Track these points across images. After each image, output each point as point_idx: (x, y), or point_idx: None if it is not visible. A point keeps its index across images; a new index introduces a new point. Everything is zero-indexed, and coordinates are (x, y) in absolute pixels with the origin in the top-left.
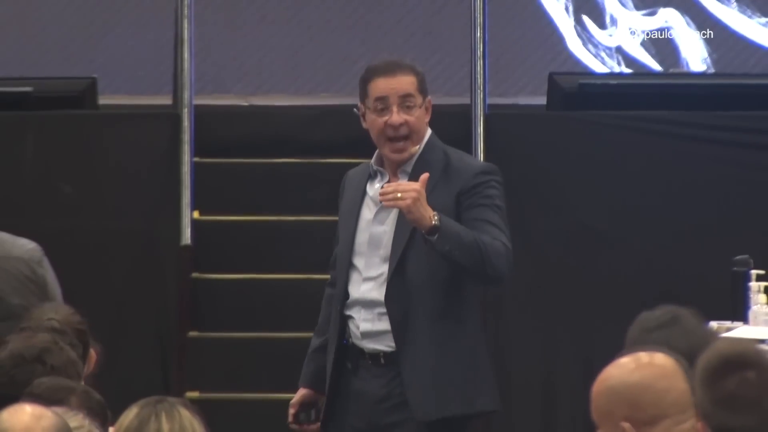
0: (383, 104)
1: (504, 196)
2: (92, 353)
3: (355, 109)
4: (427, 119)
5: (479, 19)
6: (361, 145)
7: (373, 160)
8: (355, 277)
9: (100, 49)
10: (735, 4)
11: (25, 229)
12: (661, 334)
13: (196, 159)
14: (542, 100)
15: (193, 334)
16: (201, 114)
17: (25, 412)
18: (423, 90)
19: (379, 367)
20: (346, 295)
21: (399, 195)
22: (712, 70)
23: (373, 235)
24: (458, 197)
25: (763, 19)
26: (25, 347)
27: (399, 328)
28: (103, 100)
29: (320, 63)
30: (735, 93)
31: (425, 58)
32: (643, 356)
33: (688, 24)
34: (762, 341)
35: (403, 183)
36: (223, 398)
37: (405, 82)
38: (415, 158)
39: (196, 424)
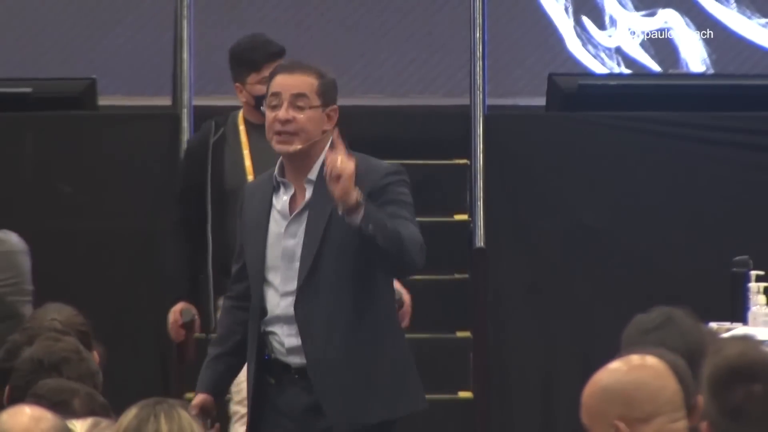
0: (276, 100)
1: (411, 194)
2: (95, 355)
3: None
4: (326, 126)
5: (479, 20)
6: (360, 145)
7: (276, 172)
8: (271, 294)
9: (99, 50)
10: (734, 4)
11: (25, 229)
12: (656, 335)
13: None
14: (542, 101)
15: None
16: (200, 115)
17: (24, 413)
18: (324, 95)
19: (306, 380)
20: (264, 312)
21: (338, 165)
22: (711, 71)
23: (286, 248)
24: (368, 197)
25: (763, 20)
26: (47, 353)
27: (309, 338)
28: (102, 101)
29: (320, 63)
30: (734, 94)
31: (425, 58)
32: (635, 358)
33: (687, 25)
34: (762, 342)
35: (341, 157)
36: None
37: (300, 81)
38: (317, 167)
39: (195, 425)
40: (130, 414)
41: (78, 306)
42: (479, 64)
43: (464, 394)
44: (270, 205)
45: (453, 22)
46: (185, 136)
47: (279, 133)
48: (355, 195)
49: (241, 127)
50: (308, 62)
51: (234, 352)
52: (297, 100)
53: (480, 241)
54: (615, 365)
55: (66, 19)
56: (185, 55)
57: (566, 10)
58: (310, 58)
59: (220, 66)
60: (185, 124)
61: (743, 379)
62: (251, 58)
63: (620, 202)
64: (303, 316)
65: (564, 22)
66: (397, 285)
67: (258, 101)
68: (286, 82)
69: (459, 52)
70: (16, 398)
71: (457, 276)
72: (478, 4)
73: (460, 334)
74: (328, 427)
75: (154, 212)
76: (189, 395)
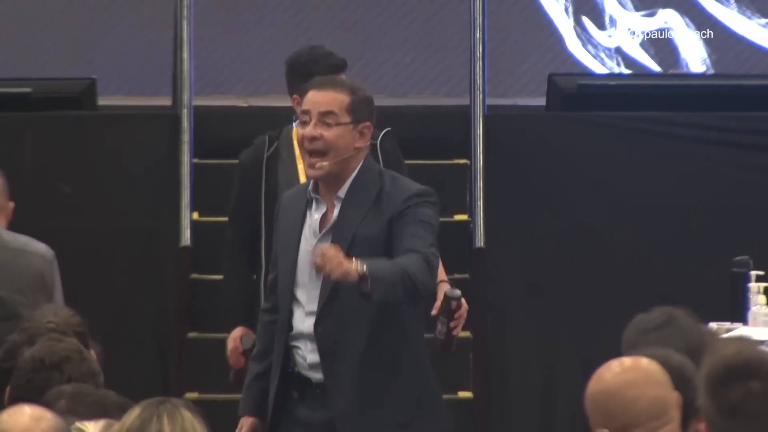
0: (306, 117)
1: (438, 215)
2: (92, 355)
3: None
4: (358, 143)
5: (479, 20)
6: None
7: (310, 186)
8: (298, 311)
9: (99, 50)
10: (734, 4)
11: (25, 229)
12: (657, 335)
13: (195, 160)
14: (541, 101)
15: (192, 335)
16: (200, 115)
17: (24, 413)
18: (355, 112)
19: (326, 396)
20: (290, 327)
21: (327, 268)
22: (711, 71)
23: (313, 268)
24: (390, 222)
25: (763, 20)
26: (48, 352)
27: (328, 358)
28: (102, 101)
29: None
30: (734, 94)
31: (425, 58)
32: (616, 366)
33: (687, 25)
34: (761, 342)
35: (326, 252)
36: (222, 399)
37: (330, 99)
38: (347, 185)
39: (198, 426)
40: (134, 414)
41: (78, 306)
42: (479, 64)
43: (464, 394)
44: (303, 220)
45: (453, 22)
46: (185, 136)
47: (309, 152)
48: (354, 271)
49: (296, 142)
50: (344, 80)
51: None
52: (325, 117)
53: (480, 242)
54: (599, 372)
55: (66, 19)
56: (185, 55)
57: (566, 10)
58: None
59: (220, 67)
60: (185, 124)
61: (740, 378)
62: (311, 70)
63: (620, 202)
64: (323, 336)
65: (564, 22)
66: (446, 286)
67: None
68: (315, 99)
69: (459, 52)
70: (18, 397)
71: (457, 276)
72: (478, 4)
73: (460, 334)
74: None
75: (154, 212)
76: (189, 395)
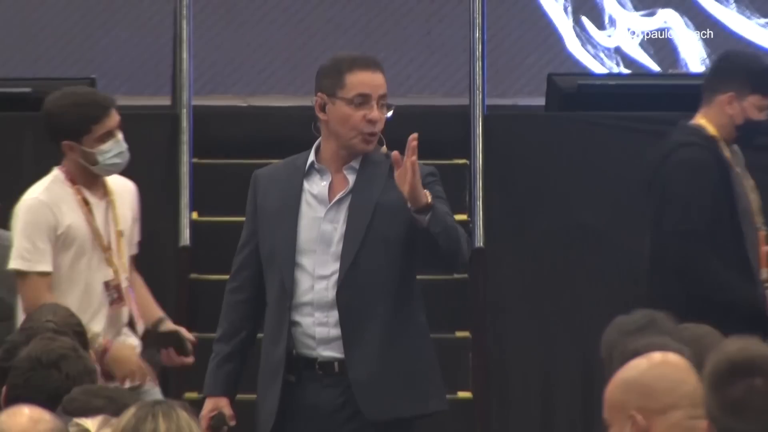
0: (362, 99)
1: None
2: (91, 354)
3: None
4: None
5: (478, 20)
6: None
7: (313, 157)
8: (303, 278)
9: (99, 50)
10: (734, 4)
11: None
12: (638, 337)
13: (194, 160)
14: (541, 101)
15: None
16: (200, 114)
17: (23, 414)
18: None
19: (331, 376)
20: (291, 296)
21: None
22: None
23: (325, 233)
24: None
25: (762, 20)
26: (44, 351)
27: (349, 330)
28: None
29: (319, 63)
30: None
31: (424, 58)
32: (657, 355)
33: (686, 25)
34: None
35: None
36: None
37: (382, 80)
38: (360, 157)
39: (194, 426)
40: (129, 413)
41: None
42: (478, 64)
43: (463, 394)
44: (300, 189)
45: (452, 22)
46: (184, 136)
47: (370, 134)
48: (425, 196)
49: (726, 150)
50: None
51: (243, 350)
52: (382, 99)
53: (479, 242)
54: (636, 360)
55: (66, 19)
56: (185, 55)
57: (565, 9)
58: (308, 58)
59: (220, 66)
60: (184, 124)
61: (743, 374)
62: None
63: (620, 202)
64: (345, 302)
65: (563, 22)
66: None
67: (747, 125)
68: (374, 82)
69: (458, 52)
70: (15, 397)
71: (456, 276)
72: (477, 4)
73: (459, 334)
74: (359, 427)
75: (154, 212)
76: (188, 395)
